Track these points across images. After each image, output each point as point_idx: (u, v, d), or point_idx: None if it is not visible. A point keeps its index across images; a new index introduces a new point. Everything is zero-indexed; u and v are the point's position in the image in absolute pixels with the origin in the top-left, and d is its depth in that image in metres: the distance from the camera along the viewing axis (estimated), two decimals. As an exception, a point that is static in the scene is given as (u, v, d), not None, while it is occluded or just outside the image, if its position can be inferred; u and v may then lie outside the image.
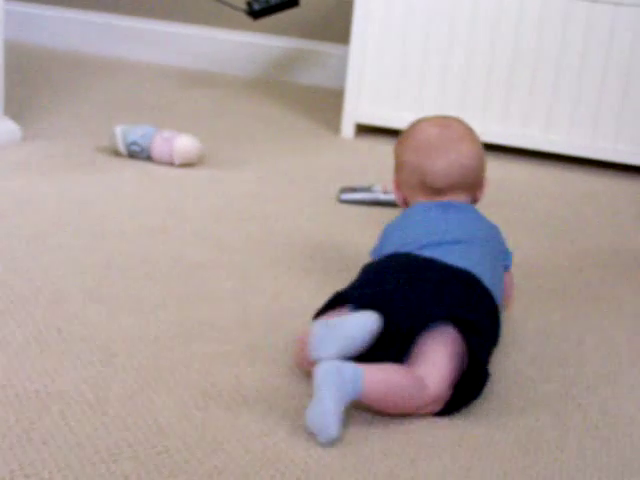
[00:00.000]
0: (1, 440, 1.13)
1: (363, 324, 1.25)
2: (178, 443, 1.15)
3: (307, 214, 1.96)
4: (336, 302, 1.37)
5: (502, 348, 1.45)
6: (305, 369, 1.31)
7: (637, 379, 1.42)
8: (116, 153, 2.19)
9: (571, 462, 1.20)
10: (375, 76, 2.49)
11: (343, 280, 1.65)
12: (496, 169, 2.37)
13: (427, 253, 1.40)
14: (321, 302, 1.56)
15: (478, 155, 1.53)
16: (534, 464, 1.19)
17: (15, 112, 2.35)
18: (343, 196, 2.05)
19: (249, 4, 2.60)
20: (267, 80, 3.06)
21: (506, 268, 1.53)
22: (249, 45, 3.07)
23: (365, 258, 1.75)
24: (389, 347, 1.29)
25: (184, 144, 2.15)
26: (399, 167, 1.57)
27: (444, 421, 1.26)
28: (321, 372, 1.20)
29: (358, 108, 2.51)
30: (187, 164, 2.17)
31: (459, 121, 1.57)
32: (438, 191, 1.51)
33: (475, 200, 1.56)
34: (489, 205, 1.73)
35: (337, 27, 2.97)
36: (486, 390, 1.34)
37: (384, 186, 2.07)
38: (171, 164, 2.16)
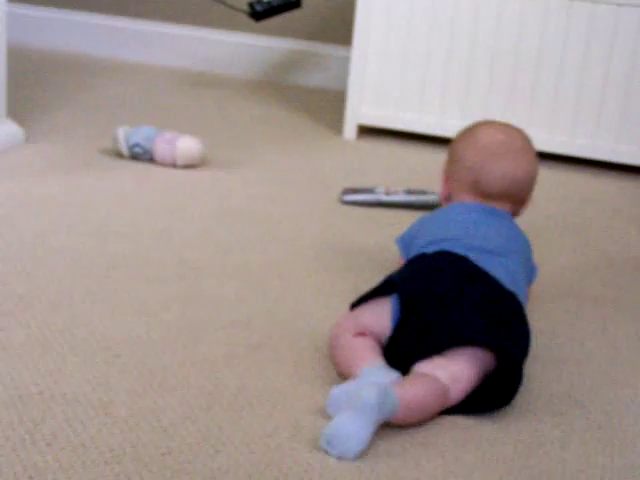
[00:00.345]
0: (5, 441, 1.13)
1: (377, 397, 1.18)
2: (181, 444, 1.16)
3: (309, 215, 1.96)
4: (384, 289, 1.37)
5: (505, 349, 1.45)
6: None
7: (640, 379, 1.42)
8: (119, 155, 2.19)
9: (574, 462, 1.20)
10: (377, 77, 2.49)
11: (346, 281, 1.66)
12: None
13: (472, 257, 1.39)
14: (324, 303, 1.57)
15: (533, 173, 1.58)
16: (537, 464, 1.19)
17: (18, 114, 2.35)
18: (345, 197, 2.05)
19: (251, 6, 2.60)
20: (269, 82, 3.06)
21: (532, 281, 1.56)
22: (251, 47, 3.08)
23: (367, 261, 1.75)
24: (418, 345, 1.29)
25: (186, 146, 2.16)
26: (454, 162, 1.59)
27: (447, 422, 1.26)
28: (364, 397, 1.16)
29: (360, 109, 2.51)
30: (189, 165, 2.17)
31: (524, 134, 1.60)
32: (487, 195, 1.54)
33: (515, 214, 1.58)
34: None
35: (339, 29, 2.97)
36: (489, 391, 1.34)
37: (387, 187, 2.07)
38: (173, 166, 2.17)
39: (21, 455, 1.11)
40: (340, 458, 1.16)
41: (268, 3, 2.59)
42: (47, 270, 1.60)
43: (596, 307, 1.66)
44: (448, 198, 1.60)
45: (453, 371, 1.27)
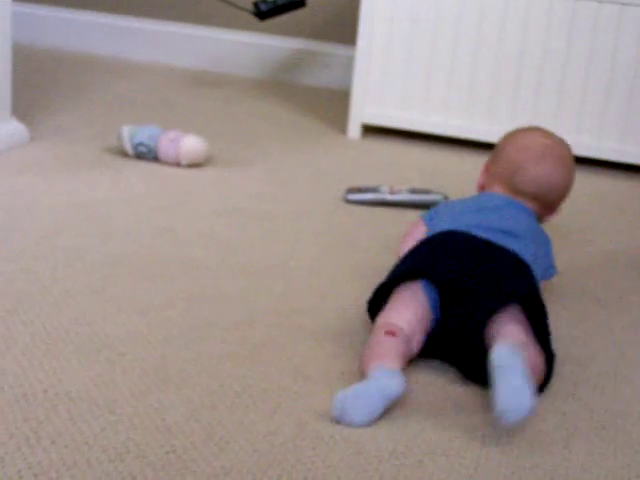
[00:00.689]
0: (9, 440, 1.13)
1: (386, 393, 1.24)
2: (185, 443, 1.16)
3: (314, 214, 1.97)
4: (409, 276, 1.42)
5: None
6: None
7: (644, 379, 1.42)
8: (123, 154, 2.19)
9: (578, 462, 1.20)
10: (381, 77, 2.49)
11: (350, 279, 1.66)
12: (503, 169, 2.37)
13: (479, 233, 1.47)
14: (328, 302, 1.57)
15: (568, 183, 1.63)
16: (541, 464, 1.19)
17: (23, 113, 2.36)
18: (349, 196, 2.05)
19: (256, 5, 2.61)
20: (273, 81, 3.06)
21: (544, 278, 1.58)
22: (256, 46, 3.08)
23: (371, 260, 1.75)
24: (466, 328, 1.35)
25: (191, 145, 2.16)
26: (497, 155, 1.65)
27: (451, 421, 1.26)
28: (500, 357, 1.24)
29: (364, 109, 2.51)
30: (194, 164, 2.17)
31: (567, 145, 1.66)
32: (518, 192, 1.59)
33: (540, 219, 1.64)
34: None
35: (343, 28, 2.97)
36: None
37: (391, 187, 2.07)
38: (178, 165, 2.17)
39: (25, 453, 1.11)
40: (349, 423, 1.20)
41: (273, 2, 2.59)
42: (51, 268, 1.60)
43: (600, 307, 1.66)
44: (482, 188, 1.66)
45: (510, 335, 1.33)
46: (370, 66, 2.48)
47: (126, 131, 2.18)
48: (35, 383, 1.25)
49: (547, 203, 1.62)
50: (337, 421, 1.22)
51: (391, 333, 1.34)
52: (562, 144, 1.65)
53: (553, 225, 2.02)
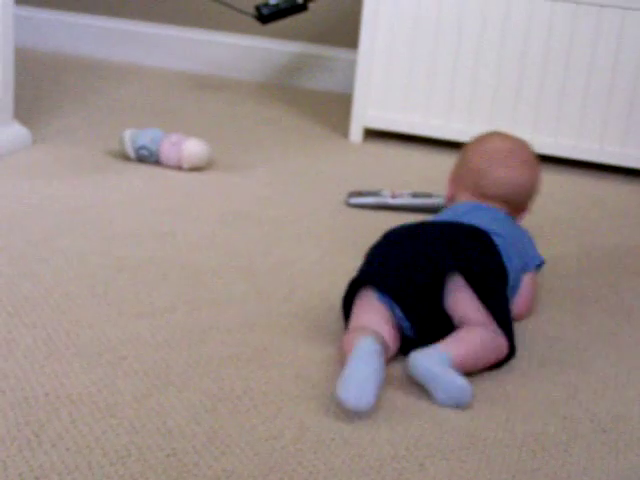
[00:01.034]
0: (10, 443, 1.13)
1: (368, 352, 1.30)
2: (186, 446, 1.16)
3: (315, 218, 1.97)
4: (356, 288, 1.46)
5: (510, 352, 1.45)
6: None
7: (645, 383, 1.42)
8: (125, 157, 2.20)
9: (579, 466, 1.20)
10: (383, 80, 2.49)
11: (351, 284, 1.66)
12: (504, 173, 2.37)
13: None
14: (330, 305, 1.57)
15: (534, 183, 1.66)
16: (542, 468, 1.19)
17: (25, 116, 2.36)
18: (351, 200, 2.05)
19: (258, 9, 2.61)
20: (275, 84, 3.06)
21: (528, 268, 1.59)
22: (258, 50, 3.08)
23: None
24: (424, 308, 1.40)
25: (193, 148, 2.16)
26: (460, 164, 1.68)
27: (451, 424, 1.26)
28: (413, 365, 1.30)
29: (366, 112, 2.51)
30: (195, 168, 2.18)
31: (530, 147, 1.68)
32: (487, 197, 1.61)
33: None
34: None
35: (345, 32, 2.97)
36: (493, 393, 1.34)
37: (392, 190, 2.07)
38: (180, 168, 2.17)
39: (27, 456, 1.11)
40: (357, 406, 1.22)
41: (275, 6, 2.60)
42: (53, 271, 1.61)
43: (601, 311, 1.66)
44: (452, 199, 1.68)
45: (462, 314, 1.40)
46: (372, 70, 2.49)
47: (128, 134, 2.18)
48: (36, 386, 1.26)
49: (516, 204, 1.64)
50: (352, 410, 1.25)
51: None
52: (523, 145, 1.68)
53: (554, 229, 2.02)
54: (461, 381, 1.28)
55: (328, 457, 1.16)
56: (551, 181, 2.35)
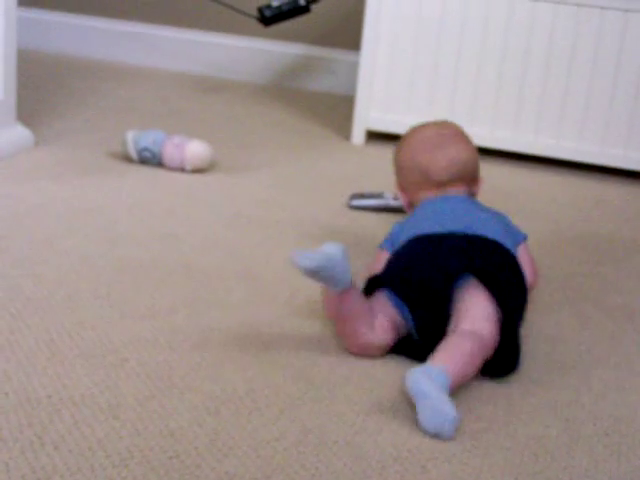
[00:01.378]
0: (13, 444, 1.13)
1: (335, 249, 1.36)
2: (189, 448, 1.16)
3: (317, 220, 1.97)
4: (371, 288, 1.47)
5: (512, 354, 1.45)
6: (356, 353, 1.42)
7: (647, 386, 1.42)
8: (127, 159, 2.20)
9: (581, 469, 1.20)
10: (386, 82, 2.49)
11: (354, 286, 1.66)
12: (506, 176, 2.37)
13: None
14: (332, 308, 1.57)
15: (473, 152, 1.67)
16: (544, 470, 1.19)
17: (28, 118, 2.36)
18: (353, 202, 2.05)
19: (260, 11, 2.61)
20: (278, 86, 3.07)
21: (519, 241, 1.60)
22: (260, 52, 3.08)
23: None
24: (431, 310, 1.40)
25: (195, 150, 2.16)
26: (400, 170, 1.70)
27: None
28: (411, 381, 1.26)
29: (368, 114, 2.52)
30: (198, 170, 2.18)
31: (451, 122, 1.71)
32: (440, 184, 1.63)
33: (473, 194, 1.67)
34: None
35: (348, 34, 2.97)
36: (496, 396, 1.34)
37: (394, 192, 2.07)
38: (182, 170, 2.17)
39: (29, 458, 1.11)
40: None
41: (277, 8, 2.60)
42: (55, 273, 1.61)
43: (604, 313, 1.66)
44: (410, 205, 1.69)
45: (466, 310, 1.39)
46: (374, 72, 2.49)
47: (130, 136, 2.18)
48: (39, 388, 1.26)
49: (469, 178, 1.65)
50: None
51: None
52: (445, 125, 1.70)
53: (557, 232, 2.02)
54: (449, 412, 1.22)
55: (330, 459, 1.16)
56: (553, 183, 2.36)
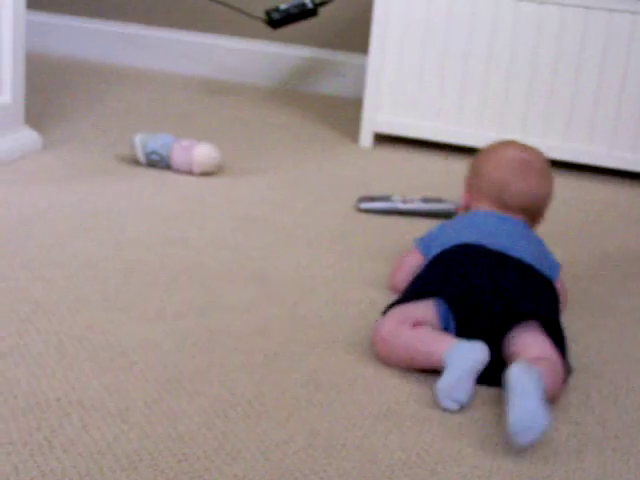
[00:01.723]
0: (22, 448, 1.13)
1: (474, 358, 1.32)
2: (198, 451, 1.16)
3: (326, 223, 1.97)
4: (421, 296, 1.45)
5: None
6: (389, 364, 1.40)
7: (657, 389, 1.42)
8: (135, 162, 2.20)
9: (591, 472, 1.20)
10: (394, 85, 2.49)
11: (363, 289, 1.66)
12: (515, 178, 2.36)
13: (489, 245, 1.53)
14: (341, 310, 1.57)
15: (550, 192, 1.69)
16: (554, 473, 1.19)
17: (36, 121, 2.37)
18: (362, 205, 2.05)
19: (268, 13, 2.61)
20: (286, 89, 3.07)
21: (554, 276, 1.60)
22: (268, 54, 3.08)
23: (383, 269, 1.75)
24: (480, 330, 1.39)
25: (203, 153, 2.16)
26: (478, 176, 1.69)
27: (464, 430, 1.26)
28: (515, 375, 1.26)
29: (376, 117, 2.51)
30: (206, 173, 2.18)
31: (543, 155, 1.71)
32: (507, 207, 1.64)
33: (530, 226, 1.68)
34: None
35: (356, 36, 2.97)
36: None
37: (403, 195, 2.07)
38: (190, 173, 2.17)
39: (39, 461, 1.11)
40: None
41: (285, 11, 2.60)
42: (64, 276, 1.61)
43: (613, 316, 1.66)
44: (468, 207, 1.69)
45: (528, 346, 1.37)
46: (382, 75, 2.49)
47: (139, 139, 2.19)
48: (48, 391, 1.26)
49: (534, 213, 1.67)
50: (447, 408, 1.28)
51: (418, 324, 1.40)
52: (539, 155, 1.70)
53: (567, 235, 2.02)
54: (543, 422, 1.20)
55: (339, 463, 1.16)
56: (562, 186, 2.34)
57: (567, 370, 1.37)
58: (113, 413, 1.22)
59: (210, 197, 2.06)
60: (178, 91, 2.94)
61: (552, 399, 1.30)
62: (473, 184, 1.69)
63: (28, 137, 2.22)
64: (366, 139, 2.53)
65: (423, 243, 1.64)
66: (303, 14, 2.62)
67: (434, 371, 1.37)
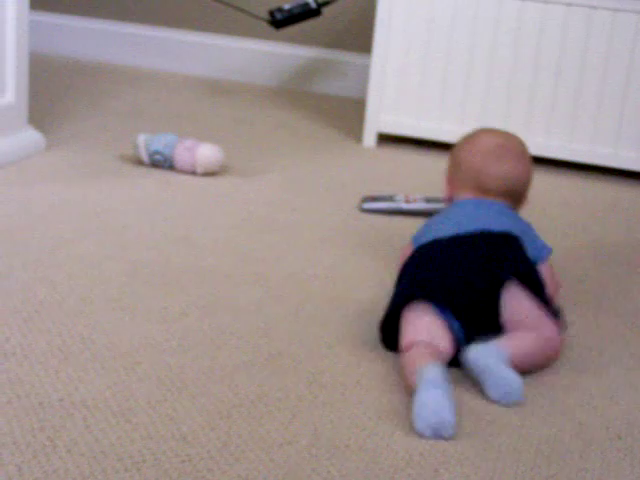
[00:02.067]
0: (25, 448, 1.13)
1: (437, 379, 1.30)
2: (201, 452, 1.16)
3: (329, 223, 1.97)
4: (404, 303, 1.45)
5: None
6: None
7: (660, 389, 1.42)
8: (139, 162, 2.20)
9: (594, 472, 1.20)
10: (397, 85, 2.49)
11: (367, 288, 1.66)
12: (518, 178, 2.36)
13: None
14: (344, 311, 1.57)
15: (529, 173, 1.69)
16: (557, 474, 1.19)
17: (39, 121, 2.37)
18: (365, 205, 2.05)
19: (271, 13, 2.61)
20: (289, 89, 3.07)
21: (541, 259, 1.61)
22: (271, 54, 3.08)
23: (387, 268, 1.75)
24: (479, 314, 1.43)
25: (206, 153, 2.16)
26: (455, 165, 1.70)
27: (466, 430, 1.26)
28: (471, 356, 1.34)
29: (380, 117, 2.51)
30: (209, 173, 2.18)
31: (520, 139, 1.71)
32: (487, 192, 1.64)
33: (514, 209, 1.68)
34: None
35: (359, 36, 2.97)
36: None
37: (406, 195, 2.07)
38: (193, 173, 2.17)
39: (42, 461, 1.11)
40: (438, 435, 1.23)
41: (288, 11, 2.60)
42: (67, 276, 1.61)
43: (617, 315, 1.66)
44: (450, 199, 1.70)
45: (518, 315, 1.43)
46: (386, 75, 2.48)
47: (142, 139, 2.19)
48: (51, 391, 1.26)
49: (516, 196, 1.67)
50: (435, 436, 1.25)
51: (409, 348, 1.38)
52: (515, 139, 1.70)
53: (568, 235, 2.02)
54: (514, 378, 1.31)
55: (343, 463, 1.16)
56: (565, 186, 2.35)
57: (561, 324, 1.46)
58: (116, 413, 1.22)
59: (213, 197, 2.06)
60: (182, 91, 2.94)
61: (546, 362, 1.43)
62: (452, 175, 1.70)
63: (31, 137, 2.22)
64: (369, 139, 2.53)
65: (416, 235, 1.65)
66: (306, 14, 2.61)
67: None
